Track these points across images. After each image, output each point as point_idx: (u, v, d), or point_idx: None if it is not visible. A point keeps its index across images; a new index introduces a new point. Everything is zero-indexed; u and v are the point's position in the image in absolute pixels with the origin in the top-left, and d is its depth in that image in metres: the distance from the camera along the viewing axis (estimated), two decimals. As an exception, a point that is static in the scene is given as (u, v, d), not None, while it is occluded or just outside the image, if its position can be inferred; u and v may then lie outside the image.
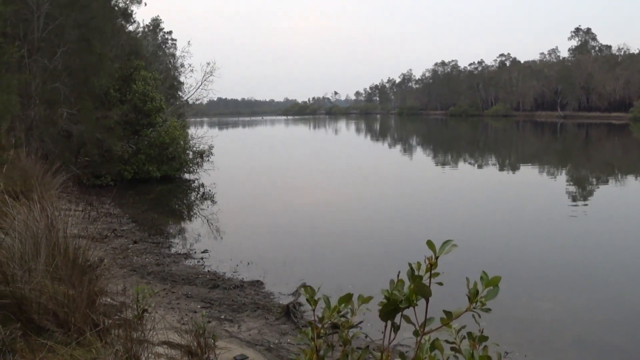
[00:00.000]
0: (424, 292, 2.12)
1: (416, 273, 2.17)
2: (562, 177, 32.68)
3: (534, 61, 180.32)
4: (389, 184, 29.52)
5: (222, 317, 8.96)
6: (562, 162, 42.13)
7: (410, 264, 2.21)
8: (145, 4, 32.81)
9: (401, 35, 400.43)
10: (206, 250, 14.33)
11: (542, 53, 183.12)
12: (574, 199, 24.40)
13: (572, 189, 27.86)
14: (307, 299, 2.46)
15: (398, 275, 2.26)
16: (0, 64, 20.75)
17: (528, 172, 34.59)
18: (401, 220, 19.58)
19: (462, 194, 25.87)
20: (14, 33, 22.34)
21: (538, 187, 28.35)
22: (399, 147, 61.39)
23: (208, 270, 12.34)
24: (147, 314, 5.89)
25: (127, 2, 31.48)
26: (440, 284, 2.19)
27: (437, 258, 2.12)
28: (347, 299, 2.37)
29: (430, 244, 2.12)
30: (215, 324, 8.50)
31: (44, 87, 22.71)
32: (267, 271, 12.37)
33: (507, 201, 23.49)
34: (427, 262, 2.16)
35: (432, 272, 2.15)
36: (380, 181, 30.59)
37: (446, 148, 58.21)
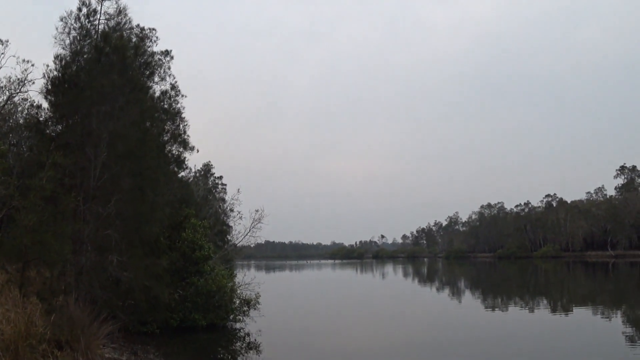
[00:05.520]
0: None
1: None
2: (618, 318, 31.63)
3: (581, 201, 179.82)
4: (442, 331, 28.80)
5: None
6: (616, 303, 40.77)
7: None
8: (198, 151, 34.15)
9: (447, 177, 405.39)
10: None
11: (588, 192, 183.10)
12: (632, 342, 23.48)
13: (630, 331, 26.86)
14: None
15: None
16: (56, 213, 21.53)
17: (582, 315, 33.48)
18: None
19: (516, 341, 24.96)
20: (71, 182, 23.29)
21: (594, 330, 27.36)
22: (447, 291, 60.21)
23: None
24: None
25: (181, 150, 32.75)
26: None
27: None
28: None
29: None
30: None
31: (97, 234, 23.27)
32: None
33: (563, 349, 22.53)
34: None
35: None
36: (431, 328, 29.90)
37: (495, 292, 56.96)
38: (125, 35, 26.04)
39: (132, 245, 24.37)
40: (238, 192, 55.07)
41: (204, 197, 49.13)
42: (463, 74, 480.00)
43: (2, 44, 33.88)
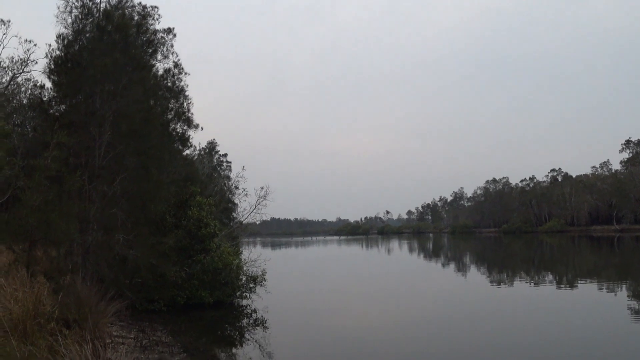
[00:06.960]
0: None
1: None
2: (624, 293, 31.73)
3: (586, 175, 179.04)
4: (449, 306, 28.94)
5: None
6: (622, 277, 40.86)
7: None
8: (202, 129, 34.09)
9: (451, 152, 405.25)
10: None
11: (593, 167, 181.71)
12: (638, 315, 23.60)
13: (636, 304, 26.97)
14: None
15: None
16: (61, 192, 21.53)
17: (588, 289, 33.50)
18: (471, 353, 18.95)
19: (521, 316, 24.99)
20: (76, 162, 23.27)
21: (599, 304, 27.38)
22: (452, 266, 60.19)
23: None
24: None
25: (185, 128, 32.68)
26: None
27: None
28: None
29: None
30: None
31: (102, 213, 23.28)
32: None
33: (570, 325, 22.57)
34: None
35: None
36: (437, 304, 29.98)
37: (501, 267, 56.96)
38: (127, 13, 25.90)
39: (138, 224, 24.40)
40: (243, 169, 55.18)
41: (209, 175, 49.26)
42: (466, 49, 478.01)
43: (4, 24, 33.78)
